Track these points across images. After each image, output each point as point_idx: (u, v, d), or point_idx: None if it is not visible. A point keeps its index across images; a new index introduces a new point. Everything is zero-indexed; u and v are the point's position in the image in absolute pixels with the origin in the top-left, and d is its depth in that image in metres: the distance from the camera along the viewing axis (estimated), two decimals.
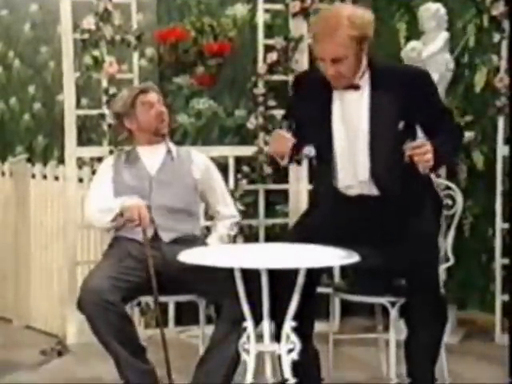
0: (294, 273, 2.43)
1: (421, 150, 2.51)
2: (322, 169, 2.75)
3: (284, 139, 2.61)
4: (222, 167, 3.94)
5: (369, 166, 2.66)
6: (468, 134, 3.79)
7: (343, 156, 2.69)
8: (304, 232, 2.73)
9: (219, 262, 2.39)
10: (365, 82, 2.65)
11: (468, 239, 4.05)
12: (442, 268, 2.95)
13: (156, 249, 2.94)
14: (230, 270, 2.42)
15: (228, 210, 3.17)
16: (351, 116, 2.66)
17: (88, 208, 3.09)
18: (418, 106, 2.61)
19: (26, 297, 4.20)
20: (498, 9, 3.61)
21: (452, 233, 3.05)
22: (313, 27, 2.72)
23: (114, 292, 2.78)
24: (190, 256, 2.45)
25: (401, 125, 2.62)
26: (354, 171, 2.70)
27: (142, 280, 2.87)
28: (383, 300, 2.82)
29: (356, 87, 2.64)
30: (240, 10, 4.05)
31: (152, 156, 3.11)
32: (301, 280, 2.44)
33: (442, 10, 3.73)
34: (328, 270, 3.62)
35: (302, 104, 2.73)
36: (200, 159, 3.18)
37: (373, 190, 2.69)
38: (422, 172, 2.57)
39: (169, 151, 3.13)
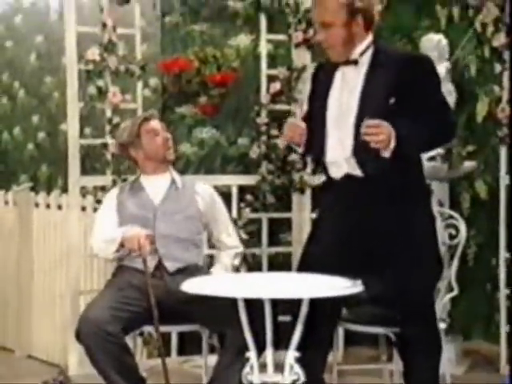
0: (298, 302, 2.42)
1: (374, 130, 2.48)
2: (315, 143, 2.70)
3: (297, 126, 2.65)
4: (225, 196, 3.94)
5: (352, 141, 2.62)
6: (471, 164, 3.80)
7: (333, 130, 2.66)
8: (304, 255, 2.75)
9: (222, 291, 2.38)
10: (365, 59, 2.64)
11: (472, 269, 4.03)
12: (447, 298, 2.93)
13: (158, 278, 2.93)
14: (233, 299, 2.41)
15: (231, 240, 3.17)
16: (346, 91, 2.66)
17: (93, 239, 3.10)
18: (412, 87, 2.57)
19: (27, 326, 4.18)
20: (499, 40, 3.63)
21: (456, 262, 3.04)
22: None
23: (114, 322, 2.77)
24: (193, 286, 2.44)
25: (392, 100, 2.57)
26: (341, 147, 2.65)
27: (143, 310, 2.86)
28: (386, 330, 2.80)
29: (355, 62, 2.64)
30: (243, 40, 4.08)
31: (156, 186, 3.11)
32: (304, 310, 2.43)
33: (444, 41, 3.76)
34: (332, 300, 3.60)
35: (314, 89, 2.77)
36: (205, 190, 3.18)
37: (357, 170, 2.64)
38: (372, 147, 2.50)
39: (173, 181, 3.13)
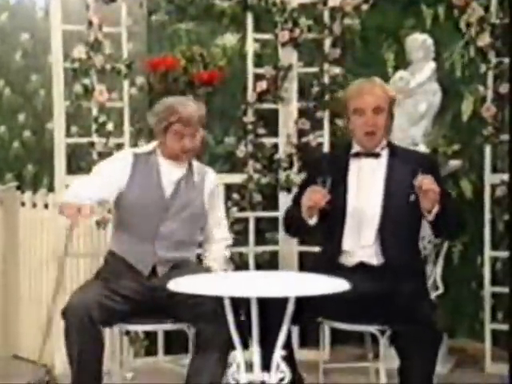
0: (283, 301, 2.44)
1: (430, 180, 2.68)
2: (330, 230, 2.87)
3: (319, 193, 2.75)
4: None
5: (377, 229, 2.80)
6: (456, 163, 3.82)
7: (352, 218, 2.82)
8: None
9: (209, 290, 2.39)
10: (384, 153, 2.90)
11: (457, 267, 4.06)
12: (432, 296, 2.95)
13: (150, 280, 2.90)
14: (217, 298, 2.42)
15: (221, 232, 3.12)
16: (366, 184, 2.86)
17: (74, 185, 2.94)
18: None
19: (14, 326, 4.16)
20: (484, 40, 3.65)
21: (441, 261, 3.06)
22: (348, 92, 2.97)
23: (100, 310, 2.75)
24: (179, 285, 2.44)
25: (412, 197, 2.77)
26: (358, 236, 2.82)
27: (130, 305, 2.85)
28: (372, 328, 2.81)
29: (377, 155, 2.88)
30: (230, 39, 4.08)
31: (172, 170, 2.96)
32: (290, 309, 2.44)
33: (429, 41, 3.78)
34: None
35: (320, 176, 2.83)
36: (212, 177, 3.07)
37: (373, 259, 2.81)
38: (424, 209, 2.71)
39: (190, 170, 2.99)
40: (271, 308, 2.47)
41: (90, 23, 3.66)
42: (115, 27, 3.76)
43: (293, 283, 2.51)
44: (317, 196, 2.73)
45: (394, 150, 2.92)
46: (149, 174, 2.94)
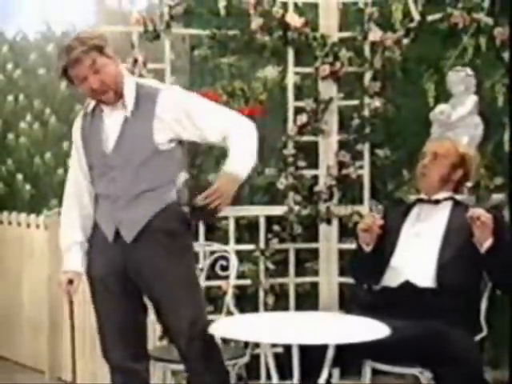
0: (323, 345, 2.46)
1: (482, 211, 2.79)
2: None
3: (375, 219, 2.91)
4: (253, 226, 4.00)
5: (435, 254, 2.89)
6: (499, 197, 3.78)
7: (405, 250, 2.94)
8: None
9: (248, 335, 2.42)
10: (446, 203, 3.05)
11: (501, 299, 4.01)
12: (476, 338, 2.93)
13: (119, 248, 2.64)
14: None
15: (218, 124, 2.60)
16: (425, 223, 3.00)
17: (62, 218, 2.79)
18: None
19: (59, 349, 4.25)
20: None
21: (485, 300, 3.03)
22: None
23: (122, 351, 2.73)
24: (219, 329, 2.47)
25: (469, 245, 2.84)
26: (407, 254, 2.92)
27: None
28: (414, 371, 2.81)
29: (436, 201, 3.04)
30: (271, 71, 4.12)
31: (112, 118, 2.62)
32: (330, 354, 2.46)
33: (471, 75, 3.76)
34: None
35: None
36: (166, 97, 2.59)
37: (418, 278, 2.87)
38: (477, 240, 2.78)
39: (130, 111, 2.59)
40: (312, 352, 2.49)
41: (135, 60, 3.74)
42: (159, 63, 3.83)
43: (333, 328, 2.52)
44: (370, 219, 2.87)
45: (458, 203, 3.04)
46: (96, 127, 2.65)
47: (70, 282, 2.76)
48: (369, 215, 2.91)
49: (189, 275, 2.68)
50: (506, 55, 3.74)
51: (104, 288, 2.69)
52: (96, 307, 2.77)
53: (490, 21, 3.73)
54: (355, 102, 3.98)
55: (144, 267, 2.62)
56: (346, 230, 3.94)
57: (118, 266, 2.65)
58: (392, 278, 2.88)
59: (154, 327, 3.35)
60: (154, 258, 2.61)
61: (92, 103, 2.70)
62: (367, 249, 2.93)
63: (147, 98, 2.61)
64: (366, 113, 3.93)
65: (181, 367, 2.85)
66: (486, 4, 3.73)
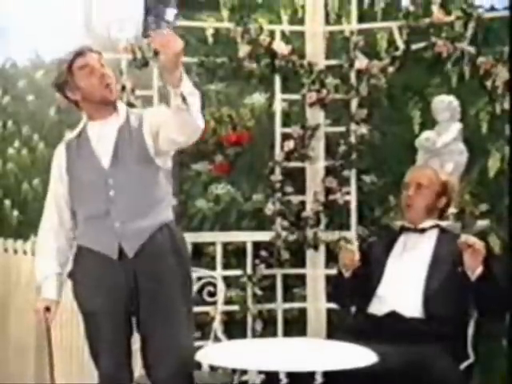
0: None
1: (474, 238, 2.79)
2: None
3: (352, 251, 2.95)
4: (240, 251, 4.01)
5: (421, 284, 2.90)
6: (484, 223, 3.82)
7: (389, 279, 2.96)
8: None
9: (236, 363, 2.42)
10: (432, 231, 3.06)
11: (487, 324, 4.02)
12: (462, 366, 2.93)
13: (123, 269, 2.62)
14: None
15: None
16: (409, 254, 3.02)
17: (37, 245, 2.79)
18: None
19: (46, 374, 4.20)
20: (510, 102, 3.68)
21: (472, 327, 3.04)
22: None
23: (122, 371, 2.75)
24: (207, 356, 2.48)
25: (459, 269, 2.84)
26: (394, 282, 2.94)
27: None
28: None
29: (421, 230, 3.04)
30: (258, 98, 4.17)
31: (104, 136, 2.63)
32: (318, 381, 2.47)
33: (455, 102, 3.82)
34: None
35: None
36: (149, 115, 2.66)
37: (404, 308, 2.87)
38: (468, 267, 2.77)
39: (123, 124, 2.62)
40: (299, 377, 2.50)
41: (123, 87, 3.77)
42: (147, 90, 3.86)
43: (321, 355, 2.53)
44: (349, 257, 2.94)
45: (444, 230, 3.06)
46: (82, 150, 2.65)
47: (48, 309, 2.80)
48: (347, 250, 2.97)
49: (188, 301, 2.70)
50: (488, 84, 3.81)
51: (104, 319, 2.69)
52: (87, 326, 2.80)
53: (472, 50, 3.79)
54: (342, 129, 4.02)
55: (147, 281, 2.61)
56: (333, 256, 3.96)
57: (123, 291, 2.62)
58: (378, 307, 2.89)
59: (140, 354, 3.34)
60: (158, 272, 2.63)
61: (78, 129, 2.72)
62: (346, 274, 2.96)
63: (135, 115, 2.71)
64: (353, 139, 3.98)
65: None
66: (469, 34, 3.80)
